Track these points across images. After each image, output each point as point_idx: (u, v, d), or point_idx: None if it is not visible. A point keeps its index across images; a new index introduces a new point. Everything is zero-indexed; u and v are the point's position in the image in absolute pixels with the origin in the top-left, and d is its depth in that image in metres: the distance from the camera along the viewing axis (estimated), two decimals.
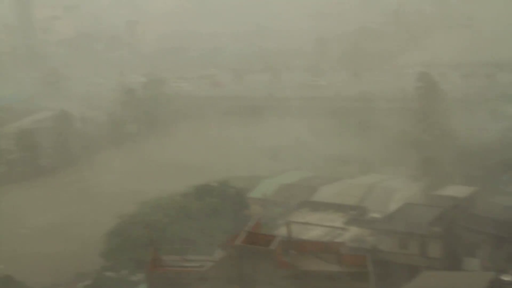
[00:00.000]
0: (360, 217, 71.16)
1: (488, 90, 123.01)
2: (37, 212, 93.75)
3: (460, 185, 76.60)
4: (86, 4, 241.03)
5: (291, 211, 75.31)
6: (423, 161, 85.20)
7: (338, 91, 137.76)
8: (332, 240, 62.17)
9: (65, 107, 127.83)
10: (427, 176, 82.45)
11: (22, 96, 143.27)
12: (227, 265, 47.89)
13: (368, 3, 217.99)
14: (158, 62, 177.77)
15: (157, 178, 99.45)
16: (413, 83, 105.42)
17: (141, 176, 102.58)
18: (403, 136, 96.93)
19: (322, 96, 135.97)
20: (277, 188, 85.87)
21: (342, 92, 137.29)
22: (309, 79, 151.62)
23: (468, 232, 63.74)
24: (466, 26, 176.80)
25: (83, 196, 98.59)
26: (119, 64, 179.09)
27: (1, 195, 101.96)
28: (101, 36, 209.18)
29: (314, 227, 68.66)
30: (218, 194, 76.15)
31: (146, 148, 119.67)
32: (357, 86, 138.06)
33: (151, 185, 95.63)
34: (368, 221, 69.28)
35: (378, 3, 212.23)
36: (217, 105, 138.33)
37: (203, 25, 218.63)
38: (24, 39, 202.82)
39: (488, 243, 62.57)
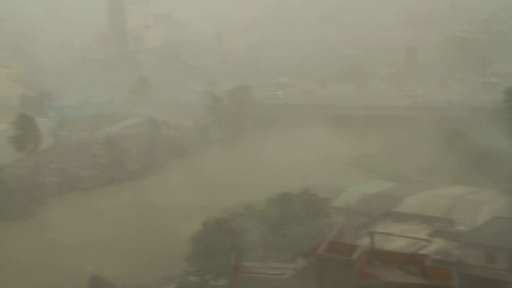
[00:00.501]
0: (446, 229, 69.57)
1: None
2: (124, 215, 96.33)
3: None
4: (177, 13, 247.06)
5: (374, 221, 74.37)
6: None
7: (425, 101, 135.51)
8: (416, 252, 61.06)
9: (154, 114, 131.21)
10: None
11: (113, 103, 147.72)
12: (309, 273, 47.83)
13: (458, 12, 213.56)
14: (244, 69, 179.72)
15: (239, 185, 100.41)
16: (501, 94, 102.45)
17: (223, 182, 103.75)
18: (492, 148, 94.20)
19: (406, 106, 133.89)
20: (360, 197, 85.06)
21: (429, 101, 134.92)
22: (403, 88, 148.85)
23: None
24: None
25: (169, 200, 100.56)
26: (206, 72, 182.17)
27: (90, 198, 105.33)
28: (190, 44, 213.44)
29: (398, 238, 67.55)
30: (300, 202, 76.19)
31: (229, 154, 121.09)
32: (444, 96, 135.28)
33: (233, 191, 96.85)
34: (454, 233, 67.64)
35: (468, 12, 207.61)
36: (304, 113, 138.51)
37: (289, 33, 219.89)
38: (116, 47, 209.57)
39: None
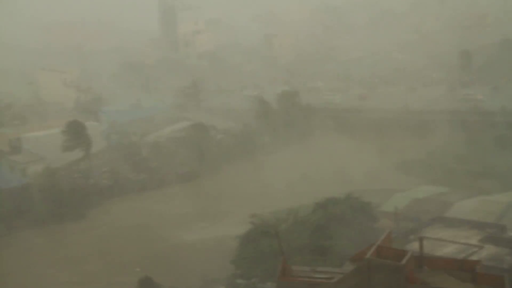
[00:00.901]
0: (498, 235, 68.21)
1: None
2: (176, 217, 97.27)
3: None
4: (227, 18, 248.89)
5: (424, 226, 73.52)
6: None
7: (477, 105, 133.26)
8: (467, 258, 59.97)
9: (203, 118, 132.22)
10: None
11: (164, 107, 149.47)
12: (356, 278, 47.30)
13: (511, 16, 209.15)
14: (294, 74, 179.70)
15: (286, 188, 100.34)
16: None
17: (270, 186, 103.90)
18: None
19: (458, 110, 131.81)
20: (409, 202, 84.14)
21: (482, 106, 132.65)
22: (461, 92, 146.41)
23: None
24: None
25: (217, 204, 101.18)
26: (256, 76, 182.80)
27: (138, 201, 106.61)
28: (240, 48, 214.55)
29: (448, 244, 66.52)
30: (347, 207, 75.76)
31: (277, 159, 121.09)
32: (498, 100, 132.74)
33: (279, 195, 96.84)
34: (507, 239, 66.28)
35: None
36: (352, 117, 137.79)
37: (339, 38, 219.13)
38: (167, 52, 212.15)
39: None
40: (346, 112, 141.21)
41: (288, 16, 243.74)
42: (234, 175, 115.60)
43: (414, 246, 56.86)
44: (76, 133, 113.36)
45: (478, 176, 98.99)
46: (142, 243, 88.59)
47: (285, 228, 70.72)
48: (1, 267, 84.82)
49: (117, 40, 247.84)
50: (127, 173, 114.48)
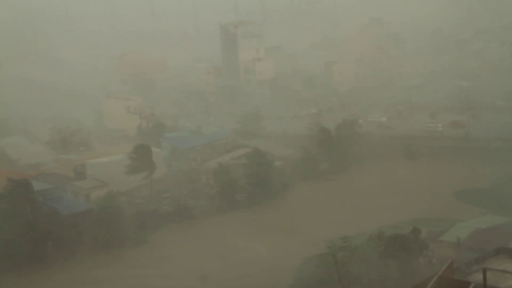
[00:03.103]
0: None
1: None
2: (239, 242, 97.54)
3: None
4: (287, 45, 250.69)
5: (487, 257, 71.46)
6: None
7: None
8: None
9: (263, 145, 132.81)
10: None
11: (224, 134, 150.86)
12: None
13: None
14: (353, 101, 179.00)
15: (342, 218, 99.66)
16: None
17: (330, 212, 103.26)
18: None
19: None
20: (472, 232, 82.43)
21: None
22: None
23: None
24: None
25: (277, 231, 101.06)
26: (317, 103, 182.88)
27: (198, 228, 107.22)
28: (300, 75, 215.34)
29: None
30: (404, 236, 74.77)
31: (335, 187, 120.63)
32: None
33: (339, 222, 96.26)
34: None
35: None
36: (413, 144, 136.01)
37: (400, 65, 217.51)
38: (228, 79, 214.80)
39: None
40: (407, 139, 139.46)
41: (349, 43, 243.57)
42: (290, 202, 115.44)
43: (477, 277, 55.49)
44: (142, 157, 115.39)
45: None
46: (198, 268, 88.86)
47: (343, 256, 70.18)
48: None
49: (180, 67, 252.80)
50: (186, 199, 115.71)
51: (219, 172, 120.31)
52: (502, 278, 63.49)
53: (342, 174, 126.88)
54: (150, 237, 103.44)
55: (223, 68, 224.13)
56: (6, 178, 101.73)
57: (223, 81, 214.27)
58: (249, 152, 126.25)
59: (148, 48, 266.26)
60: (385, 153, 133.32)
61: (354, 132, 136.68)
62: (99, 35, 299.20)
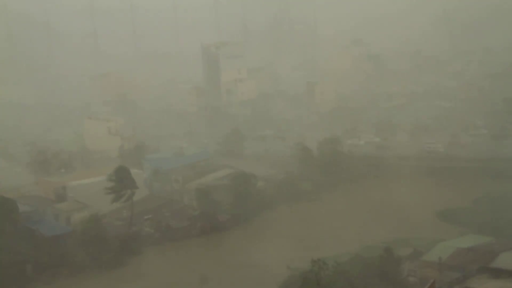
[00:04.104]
0: None
1: None
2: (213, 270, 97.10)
3: None
4: (269, 67, 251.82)
5: (469, 276, 71.95)
6: None
7: None
8: None
9: (245, 165, 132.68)
10: None
11: (206, 154, 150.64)
12: None
13: None
14: (335, 121, 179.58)
15: (324, 239, 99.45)
16: None
17: (310, 233, 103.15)
18: None
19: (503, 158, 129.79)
20: (453, 252, 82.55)
21: None
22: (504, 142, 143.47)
23: None
24: None
25: (256, 255, 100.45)
26: (298, 123, 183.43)
27: (179, 249, 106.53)
28: (282, 96, 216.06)
29: None
30: (380, 258, 74.90)
31: (317, 207, 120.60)
32: None
33: (319, 243, 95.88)
34: None
35: None
36: (393, 164, 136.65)
37: (381, 86, 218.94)
38: (210, 100, 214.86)
39: None
40: (388, 159, 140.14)
41: (330, 64, 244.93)
42: (271, 223, 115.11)
43: None
44: (121, 180, 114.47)
45: None
46: None
47: (325, 275, 69.91)
48: None
49: (162, 88, 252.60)
50: (168, 221, 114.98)
51: (201, 193, 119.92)
52: None
53: (325, 194, 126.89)
54: (131, 260, 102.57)
55: (205, 88, 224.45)
56: None
57: (205, 102, 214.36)
58: (232, 173, 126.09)
59: (130, 69, 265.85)
60: (367, 173, 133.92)
61: (337, 151, 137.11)
62: (81, 55, 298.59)
